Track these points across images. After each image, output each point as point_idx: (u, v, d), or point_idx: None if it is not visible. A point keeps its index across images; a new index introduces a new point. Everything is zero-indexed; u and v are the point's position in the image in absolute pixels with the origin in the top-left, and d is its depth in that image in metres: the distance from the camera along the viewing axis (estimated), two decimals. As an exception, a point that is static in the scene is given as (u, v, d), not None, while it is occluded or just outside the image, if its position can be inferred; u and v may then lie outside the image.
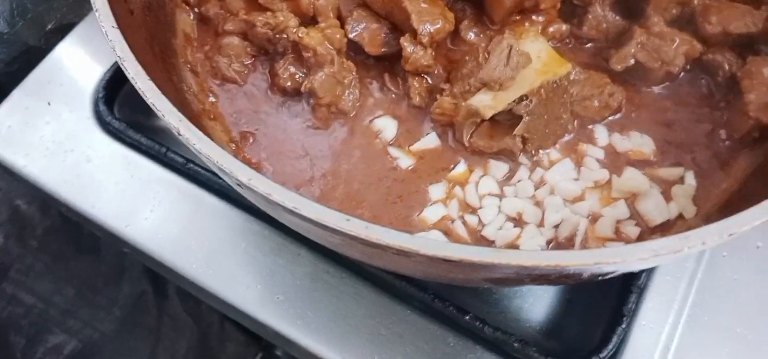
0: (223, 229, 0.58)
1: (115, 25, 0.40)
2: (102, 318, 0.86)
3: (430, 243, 0.33)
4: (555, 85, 0.50)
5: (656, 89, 0.55)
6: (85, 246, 0.86)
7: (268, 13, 0.55)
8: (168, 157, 0.59)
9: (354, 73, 0.54)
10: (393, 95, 0.55)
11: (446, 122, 0.53)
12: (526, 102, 0.49)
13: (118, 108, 0.65)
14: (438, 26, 0.52)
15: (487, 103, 0.50)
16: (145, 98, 0.37)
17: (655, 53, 0.52)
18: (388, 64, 0.56)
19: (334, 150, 0.54)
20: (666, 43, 0.52)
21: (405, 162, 0.53)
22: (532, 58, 0.49)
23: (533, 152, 0.51)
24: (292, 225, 0.43)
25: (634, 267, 0.36)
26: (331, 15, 0.55)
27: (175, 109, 0.37)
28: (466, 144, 0.52)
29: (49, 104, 0.66)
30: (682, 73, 0.54)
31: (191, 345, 0.86)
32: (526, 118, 0.49)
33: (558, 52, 0.52)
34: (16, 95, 0.66)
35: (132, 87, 0.64)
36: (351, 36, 0.54)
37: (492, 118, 0.51)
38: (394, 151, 0.53)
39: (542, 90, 0.49)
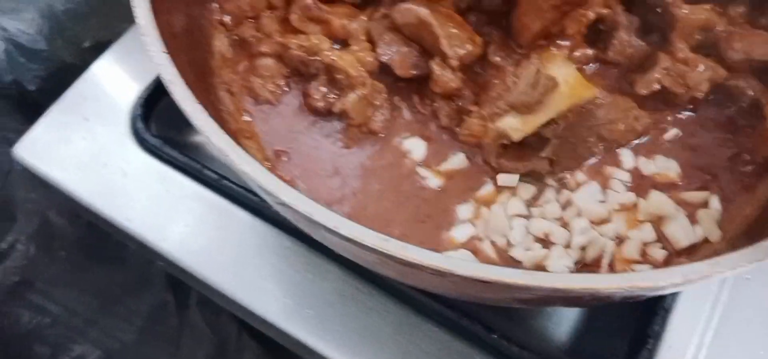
0: (255, 244, 0.60)
1: (164, 49, 0.42)
2: (123, 328, 0.87)
3: (465, 265, 0.34)
4: (582, 109, 0.51)
5: (681, 114, 0.56)
6: (108, 257, 0.88)
7: (302, 36, 0.57)
8: (204, 174, 0.61)
9: (384, 95, 0.56)
10: (422, 116, 0.57)
11: (474, 143, 0.54)
12: (554, 125, 0.50)
13: (153, 124, 0.67)
14: (467, 50, 0.54)
15: (515, 125, 0.51)
16: (193, 122, 0.39)
17: (680, 79, 0.53)
18: (417, 86, 0.58)
19: (365, 169, 0.55)
20: (690, 68, 0.53)
21: (434, 182, 0.54)
22: (559, 82, 0.50)
23: (560, 174, 0.52)
24: (327, 243, 0.44)
25: (666, 291, 0.38)
26: (362, 38, 0.57)
27: (221, 131, 0.39)
28: (494, 165, 0.53)
29: (85, 120, 0.68)
30: (706, 99, 0.55)
31: (209, 354, 0.87)
32: (554, 141, 0.51)
33: (584, 76, 0.54)
34: (54, 111, 0.68)
35: (167, 104, 0.68)
36: (382, 59, 0.56)
37: (519, 141, 0.52)
38: (422, 171, 0.55)
39: (569, 114, 0.50)
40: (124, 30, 0.75)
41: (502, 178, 0.53)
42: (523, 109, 0.51)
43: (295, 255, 0.58)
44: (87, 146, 0.66)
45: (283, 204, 0.37)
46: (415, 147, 0.56)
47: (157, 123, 0.68)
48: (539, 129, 0.51)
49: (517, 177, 0.53)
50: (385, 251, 0.35)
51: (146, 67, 0.69)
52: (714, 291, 0.55)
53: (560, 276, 0.32)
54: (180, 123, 0.68)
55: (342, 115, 0.55)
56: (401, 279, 0.48)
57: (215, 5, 0.59)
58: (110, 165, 0.65)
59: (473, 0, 0.57)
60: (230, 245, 0.60)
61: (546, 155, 0.51)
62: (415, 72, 0.56)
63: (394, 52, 0.56)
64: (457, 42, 0.53)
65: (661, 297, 0.52)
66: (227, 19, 0.59)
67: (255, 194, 0.59)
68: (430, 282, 0.42)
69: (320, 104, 0.56)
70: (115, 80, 0.71)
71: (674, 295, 0.53)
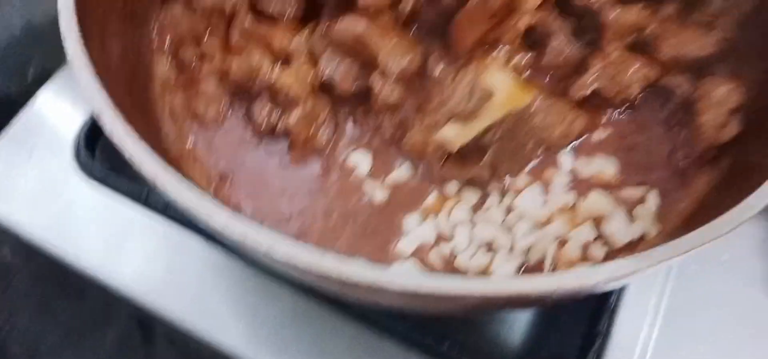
0: (206, 270, 0.59)
1: (95, 80, 0.42)
2: (88, 362, 0.86)
3: (393, 277, 0.35)
4: (519, 115, 0.52)
5: (617, 114, 0.57)
6: (70, 291, 0.86)
7: (243, 56, 0.57)
8: (149, 201, 0.61)
9: (328, 110, 0.56)
10: (366, 131, 0.57)
11: (417, 154, 0.55)
12: (491, 132, 0.51)
13: (99, 153, 0.66)
14: (405, 63, 0.54)
15: (453, 135, 0.52)
16: (122, 150, 0.39)
17: (612, 80, 0.55)
18: (360, 100, 0.58)
19: (311, 187, 0.55)
20: (623, 69, 0.55)
21: (379, 195, 0.55)
22: (495, 91, 0.51)
23: (502, 179, 0.53)
24: (270, 265, 0.44)
25: (598, 289, 0.38)
26: (304, 55, 0.57)
27: (153, 158, 0.38)
28: (437, 175, 0.54)
29: (30, 154, 0.67)
30: (640, 98, 0.57)
31: (179, 385, 0.86)
32: (493, 147, 0.51)
33: (520, 82, 0.55)
34: None
35: None
36: (324, 74, 0.56)
37: (461, 149, 0.53)
38: (368, 185, 0.55)
39: (507, 120, 0.51)
40: (65, 59, 0.74)
41: (447, 187, 0.54)
42: (462, 118, 0.51)
43: (246, 279, 0.58)
44: (33, 180, 0.65)
45: (216, 228, 0.37)
46: (361, 161, 0.56)
47: (106, 152, 0.67)
48: (478, 136, 0.51)
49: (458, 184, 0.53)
50: (321, 271, 0.35)
51: None
52: (659, 285, 0.57)
53: (486, 282, 0.33)
54: None
55: (286, 133, 0.55)
56: (349, 297, 0.48)
57: (154, 30, 0.59)
58: (58, 199, 0.64)
59: (412, 13, 0.57)
60: (185, 274, 0.59)
61: (486, 162, 0.52)
62: (356, 86, 0.56)
63: (335, 67, 0.56)
64: (396, 55, 0.54)
65: (606, 296, 0.53)
66: (167, 43, 0.59)
67: None
68: (372, 298, 0.42)
69: (264, 124, 0.56)
70: (59, 110, 0.70)
71: (619, 293, 0.55)
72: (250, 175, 0.56)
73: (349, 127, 0.58)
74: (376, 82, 0.54)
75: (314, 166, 0.56)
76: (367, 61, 0.56)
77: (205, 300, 0.58)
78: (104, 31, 0.51)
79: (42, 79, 0.73)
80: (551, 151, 0.55)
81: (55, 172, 0.66)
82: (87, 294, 0.88)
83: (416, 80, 0.57)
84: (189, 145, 0.56)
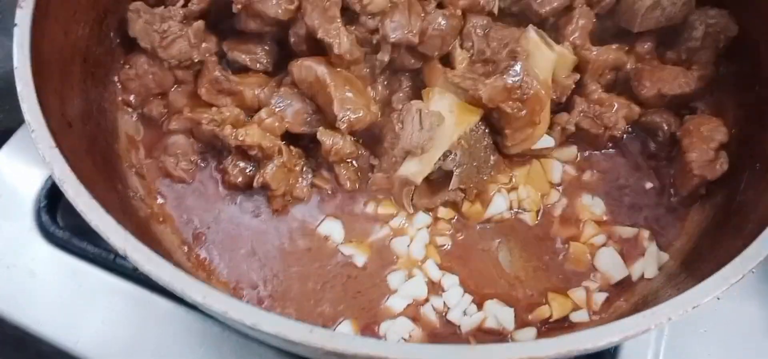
0: (180, 334, 0.55)
1: (54, 144, 0.38)
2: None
3: (387, 347, 0.32)
4: (473, 132, 0.51)
5: (604, 153, 0.56)
6: (35, 352, 0.81)
7: (214, 109, 0.54)
8: (117, 264, 0.57)
9: (303, 160, 0.54)
10: (328, 192, 0.54)
11: (385, 196, 0.53)
12: (451, 156, 0.50)
13: (61, 215, 0.62)
14: (359, 116, 0.52)
15: (414, 169, 0.51)
16: (88, 220, 0.36)
17: (597, 119, 0.54)
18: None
19: (283, 250, 0.52)
20: (606, 108, 0.54)
21: (360, 259, 0.52)
22: (444, 116, 0.50)
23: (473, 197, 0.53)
24: (251, 333, 0.41)
25: (604, 347, 0.36)
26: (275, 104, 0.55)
27: (120, 228, 0.35)
28: (410, 210, 0.52)
29: None
30: (625, 136, 0.56)
31: None
32: (457, 170, 0.50)
33: (464, 100, 0.52)
34: None
35: None
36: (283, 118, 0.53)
37: (427, 178, 0.51)
38: (347, 250, 0.52)
39: (462, 141, 0.50)
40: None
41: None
42: (418, 150, 0.50)
43: (223, 343, 0.54)
44: None
45: (197, 303, 0.34)
46: (333, 229, 0.53)
47: (68, 214, 0.62)
48: (440, 164, 0.51)
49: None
50: (310, 343, 0.32)
51: None
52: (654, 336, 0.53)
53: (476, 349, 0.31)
54: None
55: (264, 188, 0.52)
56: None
57: (117, 85, 0.56)
58: (17, 265, 0.59)
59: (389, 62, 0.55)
60: (154, 338, 0.55)
61: (454, 187, 0.51)
62: (305, 129, 0.54)
63: (287, 106, 0.53)
64: (350, 106, 0.52)
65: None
66: (132, 98, 0.56)
67: None
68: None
69: (239, 179, 0.53)
70: (18, 172, 0.65)
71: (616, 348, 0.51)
72: (225, 233, 0.52)
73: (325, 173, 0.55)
74: (325, 139, 0.52)
75: (293, 230, 0.53)
76: (320, 106, 0.54)
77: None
78: (63, 89, 0.48)
79: (1, 139, 0.69)
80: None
81: (15, 237, 0.60)
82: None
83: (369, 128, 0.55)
84: (158, 203, 0.53)
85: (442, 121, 0.50)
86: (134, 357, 0.54)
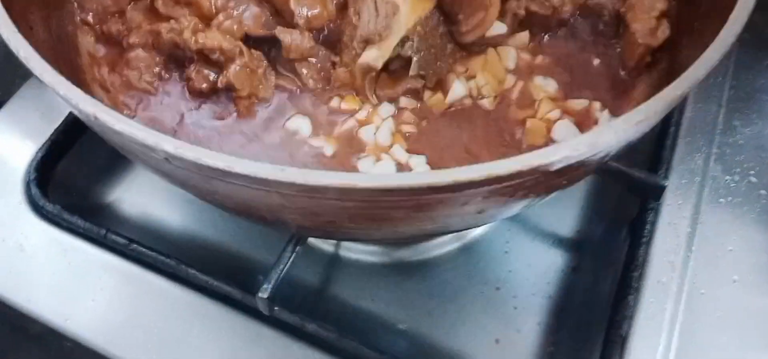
0: (173, 312, 0.55)
1: (17, 31, 0.39)
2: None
3: (365, 178, 0.34)
4: (427, 19, 0.53)
5: (555, 37, 0.59)
6: (33, 334, 0.80)
7: (172, 21, 0.55)
8: (108, 239, 0.57)
9: (265, 62, 0.55)
10: (293, 91, 0.56)
11: (348, 87, 0.55)
12: (409, 43, 0.52)
13: (52, 190, 0.61)
14: (315, 12, 0.54)
15: (374, 55, 0.52)
16: (56, 92, 0.36)
17: (545, 2, 0.56)
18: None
19: (251, 146, 0.53)
20: (554, -9, 0.57)
21: (328, 149, 0.53)
22: (398, 3, 0.52)
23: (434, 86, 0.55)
24: (224, 202, 0.42)
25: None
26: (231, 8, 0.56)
27: (88, 97, 0.36)
28: (374, 100, 0.54)
29: None
30: (572, 19, 0.58)
31: None
32: (415, 57, 0.52)
33: None
34: None
35: (66, 165, 0.63)
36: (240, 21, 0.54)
37: (388, 69, 0.53)
38: (315, 142, 0.53)
39: (419, 27, 0.52)
40: (16, 89, 0.69)
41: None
42: (376, 38, 0.52)
43: (219, 319, 0.54)
44: None
45: (170, 156, 0.35)
46: (301, 125, 0.54)
47: (59, 189, 0.62)
48: (398, 51, 0.52)
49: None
50: (284, 179, 0.34)
51: (40, 127, 0.64)
52: (669, 311, 0.55)
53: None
54: (83, 185, 0.64)
55: (229, 89, 0.53)
56: (306, 224, 0.46)
57: (75, 6, 0.56)
58: (6, 240, 0.59)
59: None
60: (146, 316, 0.54)
61: (414, 73, 0.53)
62: (264, 32, 0.55)
63: (244, 10, 0.55)
64: (306, 4, 0.54)
65: (618, 325, 0.53)
66: (89, 17, 0.56)
67: (169, 256, 0.55)
68: (338, 216, 0.40)
69: (204, 85, 0.54)
70: (7, 144, 0.65)
71: (630, 322, 0.53)
72: (192, 136, 0.53)
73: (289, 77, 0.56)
74: (284, 36, 0.53)
75: (256, 128, 0.54)
76: (277, 8, 0.55)
77: (172, 345, 0.53)
78: (25, 6, 0.48)
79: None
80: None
81: (4, 211, 0.60)
82: (49, 342, 0.81)
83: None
84: (124, 114, 0.53)
85: (397, 10, 0.52)
86: (126, 334, 0.54)
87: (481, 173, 0.34)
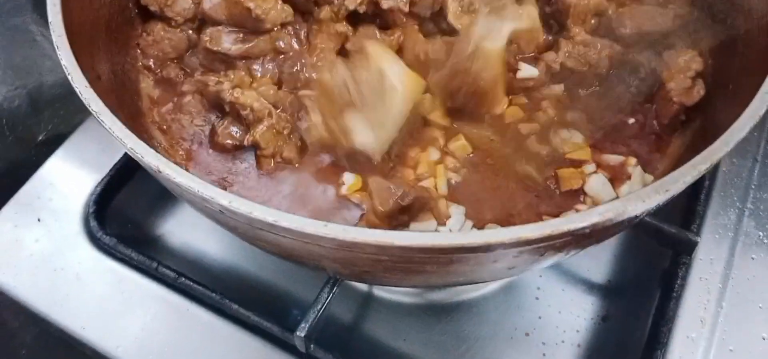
0: (218, 346, 0.58)
1: (87, 84, 0.43)
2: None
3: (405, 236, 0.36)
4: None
5: (590, 91, 0.60)
6: (76, 353, 0.83)
7: (221, 73, 0.59)
8: (159, 272, 0.60)
9: (291, 125, 0.57)
10: None
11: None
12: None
13: (108, 222, 0.65)
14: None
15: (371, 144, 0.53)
16: (123, 145, 0.40)
17: (582, 58, 0.58)
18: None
19: (299, 196, 0.55)
20: (590, 49, 0.58)
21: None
22: (397, 86, 0.52)
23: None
24: (271, 249, 0.45)
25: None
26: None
27: (151, 150, 0.39)
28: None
29: (38, 220, 0.65)
30: (609, 74, 0.60)
31: None
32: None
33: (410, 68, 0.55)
34: (5, 212, 0.66)
35: (122, 199, 0.66)
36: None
37: None
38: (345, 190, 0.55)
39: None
40: (79, 122, 0.73)
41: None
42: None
43: (258, 354, 0.57)
44: (40, 249, 0.63)
45: (223, 208, 0.38)
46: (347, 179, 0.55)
47: (114, 222, 0.65)
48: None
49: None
50: (326, 234, 0.36)
51: (101, 161, 0.67)
52: (720, 272, 0.58)
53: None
54: (136, 217, 0.67)
55: (254, 147, 0.56)
56: (343, 271, 0.48)
57: (138, 52, 0.61)
58: (64, 268, 0.62)
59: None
60: (192, 348, 0.57)
61: None
62: None
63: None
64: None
65: (670, 283, 0.55)
66: (151, 62, 0.61)
67: (214, 291, 0.58)
68: (373, 267, 0.43)
69: (228, 141, 0.57)
70: (69, 177, 0.68)
71: (683, 280, 0.57)
72: (243, 186, 0.56)
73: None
74: None
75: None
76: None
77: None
78: (92, 51, 0.53)
79: (52, 143, 0.71)
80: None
81: (63, 241, 0.64)
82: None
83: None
84: (180, 154, 0.57)
85: (395, 90, 0.52)
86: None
87: (511, 236, 0.36)
